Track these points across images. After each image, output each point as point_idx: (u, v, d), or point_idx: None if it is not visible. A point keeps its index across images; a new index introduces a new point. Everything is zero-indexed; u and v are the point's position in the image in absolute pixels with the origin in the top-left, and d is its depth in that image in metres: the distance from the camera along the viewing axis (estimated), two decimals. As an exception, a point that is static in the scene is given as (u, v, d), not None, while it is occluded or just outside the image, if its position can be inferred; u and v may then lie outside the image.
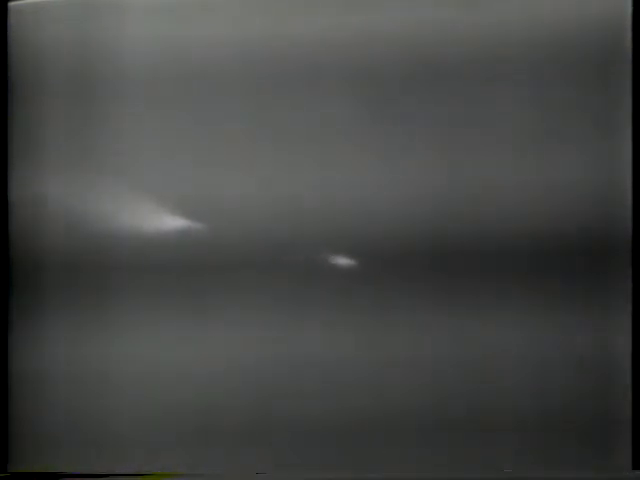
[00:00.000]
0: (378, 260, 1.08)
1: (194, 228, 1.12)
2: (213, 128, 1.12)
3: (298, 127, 1.10)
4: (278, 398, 1.10)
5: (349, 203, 1.09)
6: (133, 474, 1.13)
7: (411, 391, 1.08)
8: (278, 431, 1.11)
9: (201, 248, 1.12)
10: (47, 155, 1.16)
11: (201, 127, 1.12)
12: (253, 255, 1.11)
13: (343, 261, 1.09)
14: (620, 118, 1.05)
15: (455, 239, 1.07)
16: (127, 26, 1.14)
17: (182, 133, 1.13)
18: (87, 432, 1.15)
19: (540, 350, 1.06)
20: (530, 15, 1.06)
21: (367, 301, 1.09)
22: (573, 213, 1.05)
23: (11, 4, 1.17)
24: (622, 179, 1.05)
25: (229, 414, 1.12)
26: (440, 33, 1.08)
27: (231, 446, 1.12)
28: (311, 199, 1.10)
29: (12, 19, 1.17)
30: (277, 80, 1.11)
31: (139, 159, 1.14)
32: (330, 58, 1.10)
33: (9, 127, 1.17)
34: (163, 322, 1.13)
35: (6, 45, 1.17)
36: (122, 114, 1.14)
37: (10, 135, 1.17)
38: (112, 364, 1.14)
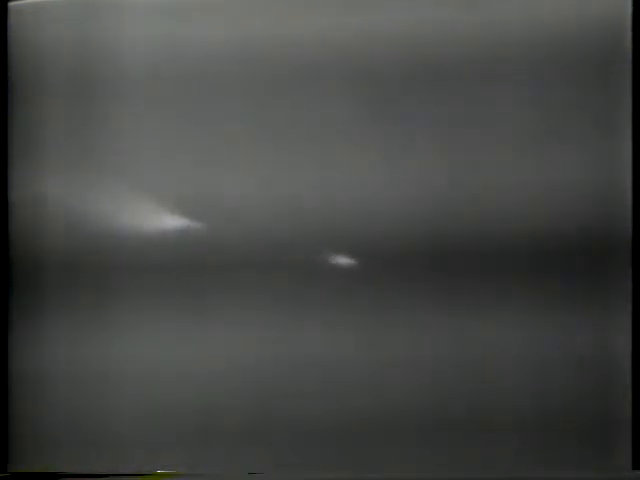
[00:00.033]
0: (378, 260, 1.08)
1: (194, 228, 1.12)
2: (213, 128, 1.12)
3: (298, 127, 1.11)
4: (278, 398, 1.10)
5: (349, 203, 1.09)
6: (133, 474, 1.13)
7: (411, 391, 1.08)
8: (278, 431, 1.11)
9: (201, 248, 1.12)
10: (47, 155, 1.16)
11: (201, 127, 1.13)
12: (253, 255, 1.11)
13: (343, 261, 1.09)
14: (620, 118, 1.05)
15: (455, 239, 1.07)
16: (127, 26, 1.14)
17: (182, 133, 1.13)
18: (87, 432, 1.15)
19: (540, 350, 1.06)
20: (530, 15, 1.06)
21: (367, 301, 1.09)
22: (573, 213, 1.05)
23: (11, 4, 1.17)
24: (622, 179, 1.05)
25: (229, 414, 1.12)
26: (440, 33, 1.08)
27: (231, 446, 1.12)
28: (311, 199, 1.10)
29: (12, 19, 1.17)
30: (277, 80, 1.11)
31: (139, 159, 1.14)
32: (330, 58, 1.10)
33: (9, 127, 1.17)
34: (163, 322, 1.13)
35: (6, 45, 1.17)
36: (122, 114, 1.14)
37: (10, 135, 1.17)
38: (112, 364, 1.14)
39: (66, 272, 1.15)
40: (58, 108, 1.16)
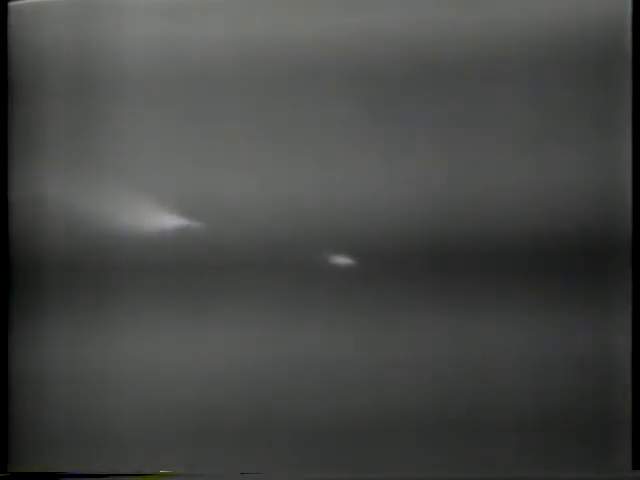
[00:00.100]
0: (378, 260, 1.08)
1: (194, 228, 1.12)
2: (213, 128, 1.12)
3: (298, 127, 1.11)
4: (278, 398, 1.10)
5: (349, 203, 1.09)
6: (133, 474, 1.13)
7: (411, 391, 1.08)
8: (278, 431, 1.11)
9: (201, 248, 1.12)
10: (47, 155, 1.16)
11: (201, 127, 1.13)
12: (253, 255, 1.11)
13: (343, 261, 1.09)
14: (620, 118, 1.05)
15: (455, 239, 1.07)
16: (127, 26, 1.14)
17: (182, 133, 1.13)
18: (87, 432, 1.15)
19: (540, 350, 1.06)
20: (530, 15, 1.06)
21: (367, 301, 1.09)
22: (573, 213, 1.05)
23: (11, 4, 1.17)
24: (622, 179, 1.05)
25: (229, 414, 1.12)
26: (440, 33, 1.08)
27: (231, 446, 1.12)
28: (311, 199, 1.10)
29: (12, 19, 1.17)
30: (277, 80, 1.11)
31: (139, 159, 1.14)
32: (330, 58, 1.10)
33: (9, 127, 1.17)
34: (163, 322, 1.13)
35: (6, 45, 1.17)
36: (122, 114, 1.14)
37: (10, 135, 1.17)
38: (112, 364, 1.14)
39: (66, 272, 1.15)
40: (58, 108, 1.16)
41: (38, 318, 1.16)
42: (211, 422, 1.12)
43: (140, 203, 1.13)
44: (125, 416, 1.14)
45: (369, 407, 1.09)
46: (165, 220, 1.13)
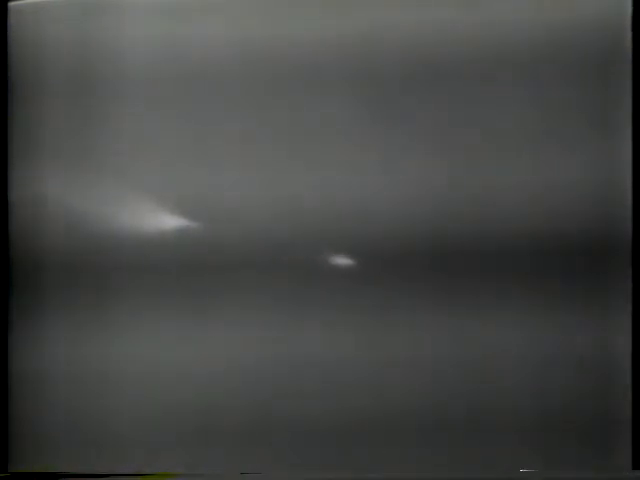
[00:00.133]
0: (378, 260, 1.08)
1: (194, 228, 1.12)
2: (213, 128, 1.12)
3: (298, 127, 1.10)
4: (278, 398, 1.10)
5: (349, 203, 1.09)
6: (133, 474, 1.13)
7: (411, 391, 1.08)
8: (278, 431, 1.11)
9: (201, 248, 1.12)
10: (47, 155, 1.16)
11: (201, 127, 1.12)
12: (253, 255, 1.11)
13: (343, 261, 1.09)
14: (620, 118, 1.05)
15: (455, 239, 1.07)
16: (127, 26, 1.14)
17: (182, 133, 1.13)
18: (87, 432, 1.15)
19: (540, 350, 1.06)
20: (530, 15, 1.06)
21: (367, 301, 1.09)
22: (573, 213, 1.05)
23: (11, 4, 1.17)
24: (622, 179, 1.05)
25: (229, 414, 1.12)
26: (440, 33, 1.08)
27: (231, 446, 1.12)
28: (311, 199, 1.10)
29: (12, 19, 1.18)
30: (277, 80, 1.11)
31: (139, 159, 1.14)
32: (330, 58, 1.10)
33: (9, 127, 1.17)
34: (163, 322, 1.13)
35: (6, 45, 1.17)
36: (122, 114, 1.14)
37: (10, 135, 1.17)
38: (112, 364, 1.14)
39: (66, 272, 1.15)
40: (58, 108, 1.16)
41: (38, 318, 1.16)
42: (211, 422, 1.12)
43: (140, 203, 1.13)
44: (125, 416, 1.14)
45: (369, 407, 1.09)
46: (165, 220, 1.13)
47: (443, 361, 1.08)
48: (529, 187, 1.06)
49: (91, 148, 1.15)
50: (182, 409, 1.12)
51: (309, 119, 1.10)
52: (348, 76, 1.09)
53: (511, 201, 1.06)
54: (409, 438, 1.08)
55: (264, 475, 1.08)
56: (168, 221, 1.13)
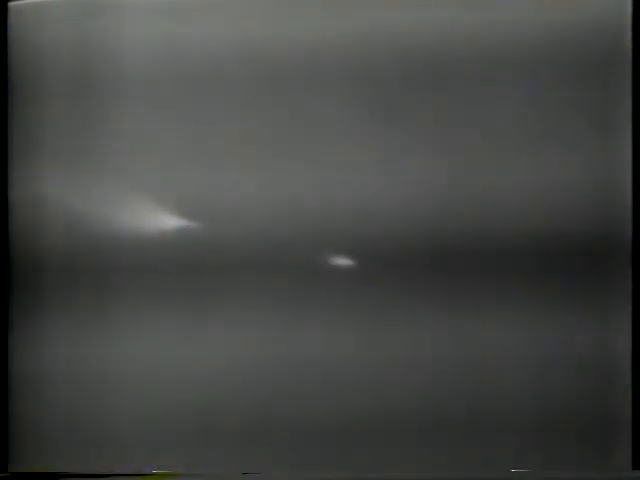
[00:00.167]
0: (378, 260, 1.08)
1: (194, 228, 1.12)
2: (213, 128, 1.12)
3: (298, 127, 1.10)
4: (278, 398, 1.10)
5: (349, 203, 1.09)
6: (133, 474, 1.13)
7: (411, 391, 1.08)
8: (278, 431, 1.11)
9: (201, 248, 1.12)
10: (47, 155, 1.16)
11: (201, 127, 1.13)
12: (253, 255, 1.11)
13: (343, 261, 1.09)
14: (620, 118, 1.05)
15: (455, 239, 1.07)
16: (127, 26, 1.14)
17: (182, 133, 1.13)
18: (87, 432, 1.15)
19: (540, 350, 1.06)
20: (530, 15, 1.06)
21: (367, 301, 1.09)
22: (573, 213, 1.05)
23: (11, 4, 1.17)
24: (622, 179, 1.05)
25: (229, 414, 1.12)
26: (440, 33, 1.08)
27: (231, 446, 1.12)
28: (311, 199, 1.10)
29: (12, 19, 1.18)
30: (277, 80, 1.11)
31: (139, 159, 1.14)
32: (330, 58, 1.10)
33: (9, 127, 1.17)
34: (163, 322, 1.13)
35: (6, 45, 1.17)
36: (122, 114, 1.14)
37: (10, 135, 1.17)
38: (112, 364, 1.14)
39: (66, 272, 1.15)
40: (58, 108, 1.16)
41: (38, 318, 1.16)
42: (211, 422, 1.12)
43: (140, 203, 1.13)
44: (125, 416, 1.14)
45: (369, 407, 1.09)
46: (165, 220, 1.13)
47: (443, 361, 1.08)
48: (529, 187, 1.06)
49: (91, 148, 1.15)
50: (182, 409, 1.12)
51: (309, 119, 1.10)
52: (348, 76, 1.09)
53: (511, 201, 1.06)
54: (409, 438, 1.08)
55: (264, 475, 1.08)
56: (168, 221, 1.13)
